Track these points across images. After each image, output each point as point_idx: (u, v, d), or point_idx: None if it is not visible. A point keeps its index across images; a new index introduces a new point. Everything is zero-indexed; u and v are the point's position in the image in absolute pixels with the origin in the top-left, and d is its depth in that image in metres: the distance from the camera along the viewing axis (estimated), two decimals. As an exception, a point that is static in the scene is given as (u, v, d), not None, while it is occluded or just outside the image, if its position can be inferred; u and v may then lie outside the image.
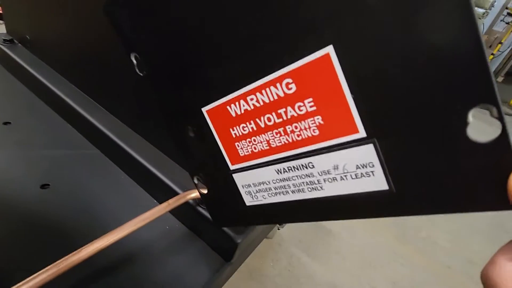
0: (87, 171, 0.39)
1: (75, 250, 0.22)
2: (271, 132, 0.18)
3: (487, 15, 2.92)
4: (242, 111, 0.19)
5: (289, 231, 0.44)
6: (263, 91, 0.17)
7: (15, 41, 0.63)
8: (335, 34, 0.14)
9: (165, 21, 0.19)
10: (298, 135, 0.17)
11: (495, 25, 3.30)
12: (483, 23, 2.96)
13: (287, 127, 0.17)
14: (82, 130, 0.45)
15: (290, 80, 0.16)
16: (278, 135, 0.18)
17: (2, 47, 0.59)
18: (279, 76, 0.16)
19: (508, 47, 3.21)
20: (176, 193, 0.33)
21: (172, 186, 0.34)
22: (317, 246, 0.47)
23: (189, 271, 0.30)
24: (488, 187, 0.13)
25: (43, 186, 0.35)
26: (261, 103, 0.18)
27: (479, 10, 2.82)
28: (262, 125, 0.18)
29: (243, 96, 0.18)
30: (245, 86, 0.18)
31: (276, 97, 0.17)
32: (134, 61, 0.22)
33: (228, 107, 0.19)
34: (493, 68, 3.17)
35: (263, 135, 0.19)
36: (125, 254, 0.30)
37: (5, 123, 0.44)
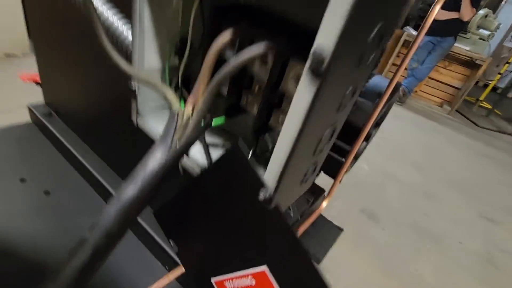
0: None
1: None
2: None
3: (493, 36, 3.13)
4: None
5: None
6: (238, 280, 0.27)
7: (52, 112, 0.67)
8: (266, 260, 0.24)
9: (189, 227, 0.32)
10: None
11: (502, 46, 3.70)
12: (490, 44, 3.13)
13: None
14: (104, 197, 0.58)
15: (251, 277, 0.26)
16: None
17: (43, 120, 0.66)
18: (245, 274, 0.26)
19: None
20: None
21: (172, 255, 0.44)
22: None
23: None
24: None
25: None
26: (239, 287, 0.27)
27: (484, 32, 3.05)
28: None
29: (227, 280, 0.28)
30: (227, 273, 0.28)
31: (247, 284, 0.27)
32: (172, 244, 0.35)
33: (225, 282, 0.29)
34: (502, 85, 3.92)
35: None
36: None
37: (45, 192, 0.57)
